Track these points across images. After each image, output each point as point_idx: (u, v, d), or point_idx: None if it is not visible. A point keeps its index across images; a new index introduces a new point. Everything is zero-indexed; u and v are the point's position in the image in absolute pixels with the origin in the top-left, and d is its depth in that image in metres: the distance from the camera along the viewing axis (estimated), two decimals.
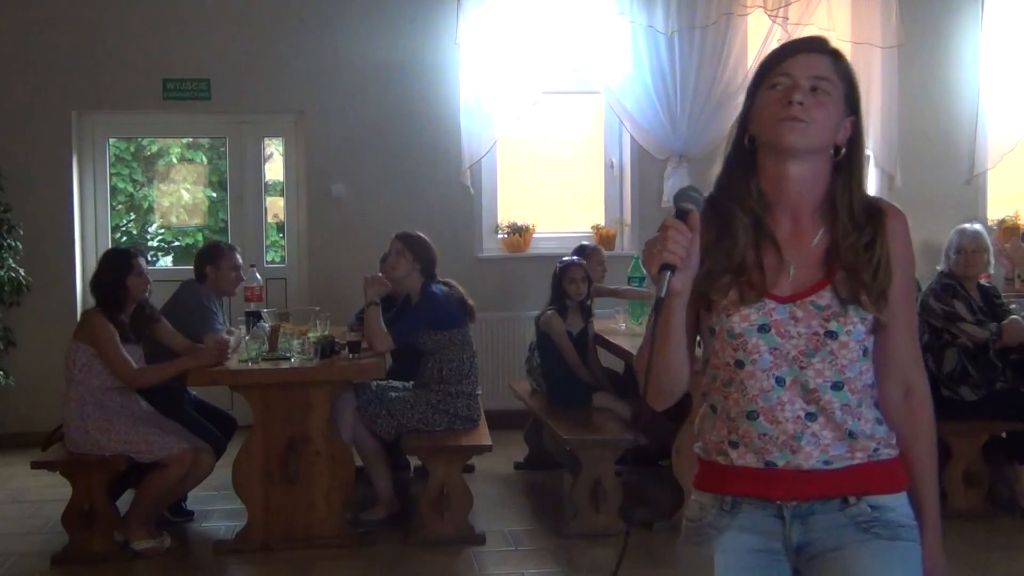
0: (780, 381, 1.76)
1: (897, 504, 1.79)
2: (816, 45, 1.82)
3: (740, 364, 1.78)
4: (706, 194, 1.82)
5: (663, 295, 1.69)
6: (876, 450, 1.79)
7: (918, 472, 1.82)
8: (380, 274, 5.07)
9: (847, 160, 1.80)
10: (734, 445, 1.81)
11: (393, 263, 5.03)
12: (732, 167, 1.85)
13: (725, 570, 1.80)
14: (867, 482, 1.77)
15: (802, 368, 1.75)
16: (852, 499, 1.77)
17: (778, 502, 1.78)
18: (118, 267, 4.62)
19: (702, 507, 1.87)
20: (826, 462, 1.76)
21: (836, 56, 1.81)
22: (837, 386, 1.75)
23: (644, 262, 1.74)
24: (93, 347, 4.50)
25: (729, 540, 1.81)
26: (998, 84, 7.31)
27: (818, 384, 1.75)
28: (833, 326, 1.75)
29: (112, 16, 6.74)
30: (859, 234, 1.78)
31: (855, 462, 1.77)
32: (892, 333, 1.79)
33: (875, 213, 1.80)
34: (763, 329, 1.77)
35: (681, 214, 1.71)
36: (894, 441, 1.82)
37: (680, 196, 1.75)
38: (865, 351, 1.78)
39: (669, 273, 1.68)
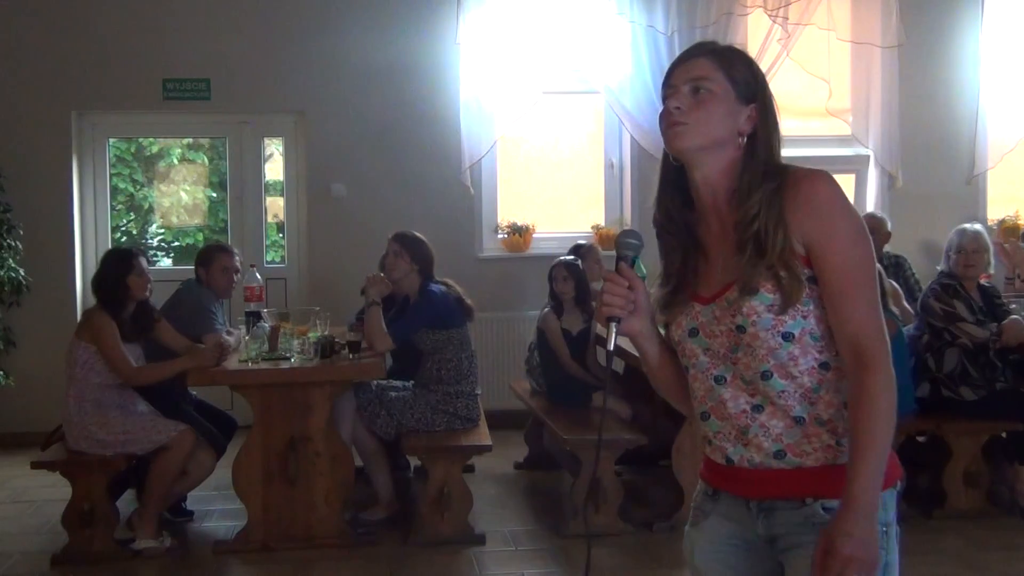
0: (719, 379, 1.80)
1: None
2: (695, 50, 1.86)
3: (687, 369, 1.87)
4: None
5: (611, 347, 1.81)
6: (839, 442, 1.74)
7: (850, 443, 1.70)
8: (381, 274, 5.07)
9: (749, 146, 1.81)
10: (708, 442, 1.88)
11: (391, 264, 5.02)
12: (662, 184, 1.90)
13: (701, 553, 1.91)
14: (822, 486, 1.75)
15: (734, 364, 1.78)
16: (808, 499, 1.76)
17: (742, 497, 1.83)
18: (119, 266, 4.62)
19: (698, 492, 1.96)
20: (779, 453, 1.76)
21: (719, 54, 1.83)
22: (766, 375, 1.75)
23: (594, 317, 1.82)
24: (94, 345, 4.51)
25: (711, 525, 1.90)
26: (998, 84, 7.31)
27: (751, 376, 1.76)
28: (739, 320, 1.75)
29: (112, 16, 6.74)
30: (748, 204, 1.76)
31: (809, 462, 1.75)
32: (829, 304, 1.72)
33: (772, 178, 1.76)
34: (693, 333, 1.83)
35: (619, 261, 1.83)
36: None
37: (618, 244, 1.85)
38: (788, 336, 1.73)
39: (615, 324, 1.79)
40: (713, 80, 1.79)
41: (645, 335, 1.86)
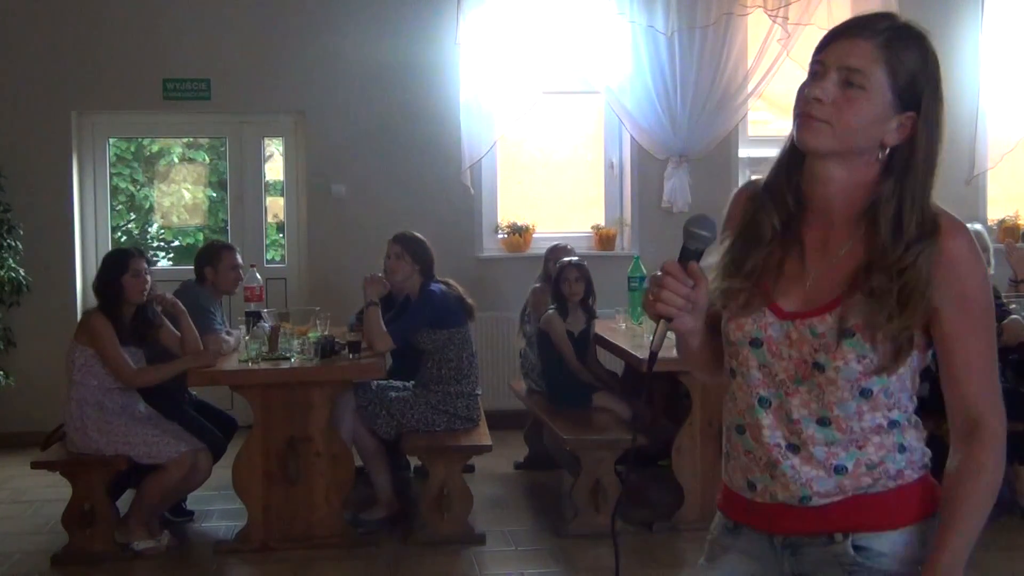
0: (763, 402, 1.61)
1: (891, 547, 1.58)
2: (863, 29, 1.54)
3: (733, 374, 1.67)
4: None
5: (656, 349, 1.57)
6: (877, 480, 1.59)
7: (947, 511, 1.56)
8: (380, 274, 5.06)
9: (900, 163, 1.56)
10: (728, 458, 1.71)
11: (392, 267, 5.02)
12: (781, 158, 1.65)
13: None
14: (854, 517, 1.58)
15: (787, 395, 1.59)
16: (838, 536, 1.59)
17: (767, 533, 1.66)
18: (114, 267, 4.61)
19: (716, 524, 1.77)
20: (805, 498, 1.59)
21: (889, 40, 1.54)
22: (823, 422, 1.58)
23: (643, 305, 1.61)
24: (92, 347, 4.50)
25: (730, 562, 1.72)
26: (998, 84, 7.30)
27: (801, 416, 1.58)
28: (821, 358, 1.55)
29: (112, 16, 6.74)
30: (902, 254, 1.52)
31: (839, 497, 1.59)
32: (947, 370, 1.57)
33: (930, 230, 1.53)
34: (755, 343, 1.61)
35: (686, 255, 1.56)
36: (909, 471, 1.61)
37: (688, 233, 1.57)
38: (865, 392, 1.55)
39: (666, 323, 1.56)
40: (867, 75, 1.52)
41: (695, 332, 1.62)
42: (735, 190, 1.76)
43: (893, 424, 1.60)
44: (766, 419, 1.61)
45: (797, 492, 1.60)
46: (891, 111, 1.55)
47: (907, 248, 1.52)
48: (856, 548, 1.58)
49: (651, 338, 1.61)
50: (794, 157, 1.63)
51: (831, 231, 1.61)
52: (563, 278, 5.38)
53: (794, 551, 1.64)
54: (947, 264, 1.52)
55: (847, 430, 1.57)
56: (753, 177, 1.73)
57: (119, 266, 4.59)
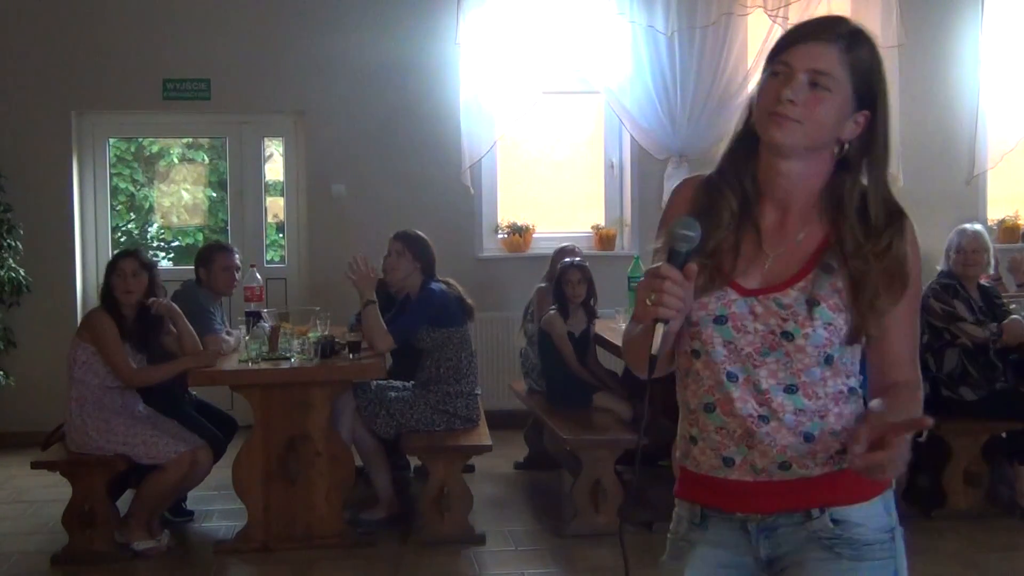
0: (731, 377, 1.68)
1: (865, 518, 1.67)
2: (824, 33, 1.67)
3: (696, 354, 1.72)
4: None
5: (655, 352, 1.58)
6: (839, 451, 1.67)
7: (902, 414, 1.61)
8: (368, 269, 4.96)
9: (857, 157, 1.69)
10: (694, 441, 1.74)
11: (393, 264, 5.01)
12: (734, 148, 1.76)
13: None
14: (829, 492, 1.67)
15: (755, 367, 1.67)
16: (815, 512, 1.67)
17: (740, 516, 1.71)
18: (108, 268, 4.67)
19: (679, 519, 1.80)
20: (784, 464, 1.67)
21: (849, 45, 1.65)
22: (791, 389, 1.66)
23: (637, 315, 1.65)
24: (94, 345, 4.51)
25: (699, 555, 1.75)
26: (998, 84, 7.30)
27: (770, 386, 1.66)
28: (790, 327, 1.65)
29: (112, 16, 6.74)
30: (876, 240, 1.67)
31: (815, 473, 1.67)
32: (892, 337, 1.69)
33: (895, 216, 1.69)
34: (719, 320, 1.68)
35: (675, 257, 1.59)
36: None
37: (675, 236, 1.60)
38: (828, 359, 1.66)
39: (664, 326, 1.58)
40: (833, 78, 1.63)
41: (677, 333, 1.68)
42: (674, 187, 1.86)
43: (852, 391, 1.71)
44: (736, 392, 1.68)
45: (775, 458, 1.67)
46: (850, 110, 1.67)
47: (879, 234, 1.67)
48: (834, 521, 1.66)
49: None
50: (746, 148, 1.74)
51: (787, 217, 1.73)
52: (565, 279, 5.38)
53: (769, 534, 1.69)
54: (909, 242, 1.69)
55: (813, 396, 1.67)
56: (687, 177, 1.84)
57: (110, 267, 4.65)
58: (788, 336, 1.65)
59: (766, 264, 1.71)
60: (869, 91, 1.67)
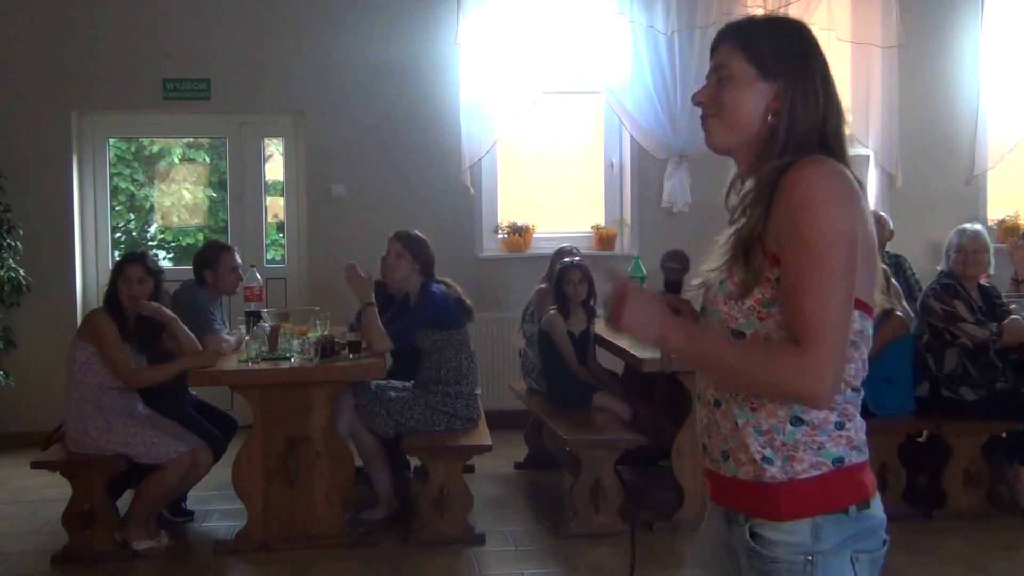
0: None
1: (779, 537, 1.63)
2: (722, 37, 1.74)
3: None
4: None
5: (668, 370, 1.81)
6: (764, 458, 1.63)
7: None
8: (362, 273, 4.96)
9: (773, 124, 1.68)
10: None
11: (392, 265, 5.01)
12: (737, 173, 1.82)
13: (700, 549, 1.88)
14: (750, 502, 1.67)
15: None
16: (741, 519, 1.69)
17: (718, 505, 1.78)
18: (114, 271, 4.67)
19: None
20: (724, 453, 1.70)
21: (739, 32, 1.71)
22: None
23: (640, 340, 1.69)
24: (94, 345, 4.51)
25: (709, 524, 1.84)
26: (998, 84, 7.31)
27: None
28: (707, 306, 1.72)
29: (112, 16, 6.74)
30: (751, 192, 1.68)
31: (741, 474, 1.67)
32: (783, 302, 1.59)
33: (774, 175, 1.63)
34: (703, 312, 1.77)
35: (667, 287, 1.79)
36: (806, 455, 1.62)
37: (663, 268, 1.80)
38: (738, 334, 1.64)
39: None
40: (730, 63, 1.70)
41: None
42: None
43: None
44: (703, 380, 1.77)
45: (720, 446, 1.71)
46: (759, 83, 1.68)
47: (757, 184, 1.65)
48: (752, 534, 1.66)
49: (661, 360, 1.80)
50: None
51: None
52: (566, 279, 5.37)
53: (730, 525, 1.74)
54: (783, 196, 1.59)
55: None
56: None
57: (116, 271, 4.66)
58: (705, 315, 1.72)
59: None
60: (775, 63, 1.67)
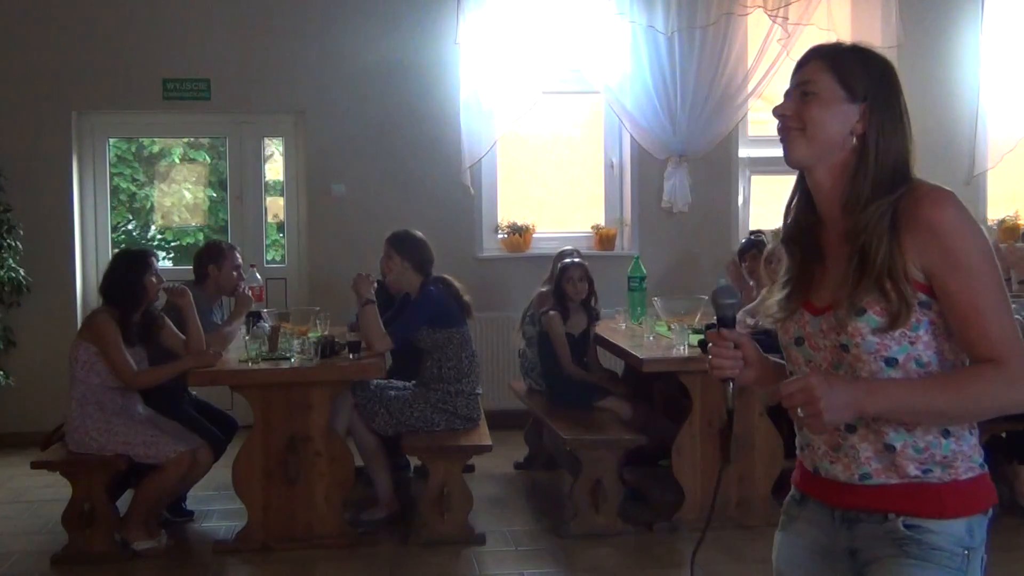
0: None
1: (941, 528, 1.71)
2: (807, 54, 1.81)
3: (790, 373, 1.86)
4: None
5: (730, 406, 1.85)
6: (926, 471, 1.72)
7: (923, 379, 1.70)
8: (363, 273, 5.00)
9: (861, 147, 1.74)
10: (800, 448, 1.89)
11: (384, 267, 5.04)
12: (794, 189, 1.87)
13: (785, 558, 1.91)
14: (906, 503, 1.72)
15: None
16: (891, 515, 1.73)
17: (829, 505, 1.82)
18: (135, 267, 4.62)
19: (791, 498, 1.95)
20: (864, 475, 1.74)
21: (830, 54, 1.78)
22: None
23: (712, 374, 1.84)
24: (96, 346, 4.50)
25: (796, 530, 1.89)
26: (998, 84, 7.31)
27: None
28: (843, 339, 1.71)
29: (112, 16, 6.74)
30: (855, 220, 1.71)
31: (892, 482, 1.73)
32: (957, 333, 1.67)
33: (885, 192, 1.70)
34: (799, 341, 1.80)
35: (721, 323, 1.84)
36: (960, 462, 1.73)
37: (716, 305, 1.86)
38: (891, 361, 1.69)
39: (731, 384, 1.83)
40: (818, 81, 1.74)
41: (761, 381, 1.88)
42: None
43: None
44: None
45: (857, 471, 1.75)
46: (846, 104, 1.74)
47: (865, 210, 1.69)
48: (907, 526, 1.72)
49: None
50: (803, 184, 1.84)
51: (837, 227, 1.78)
52: (567, 277, 5.37)
53: (850, 526, 1.78)
54: (924, 228, 1.65)
55: None
56: (751, 232, 1.97)
57: (142, 265, 4.62)
58: (845, 348, 1.72)
59: (832, 281, 1.77)
60: (862, 85, 1.74)
